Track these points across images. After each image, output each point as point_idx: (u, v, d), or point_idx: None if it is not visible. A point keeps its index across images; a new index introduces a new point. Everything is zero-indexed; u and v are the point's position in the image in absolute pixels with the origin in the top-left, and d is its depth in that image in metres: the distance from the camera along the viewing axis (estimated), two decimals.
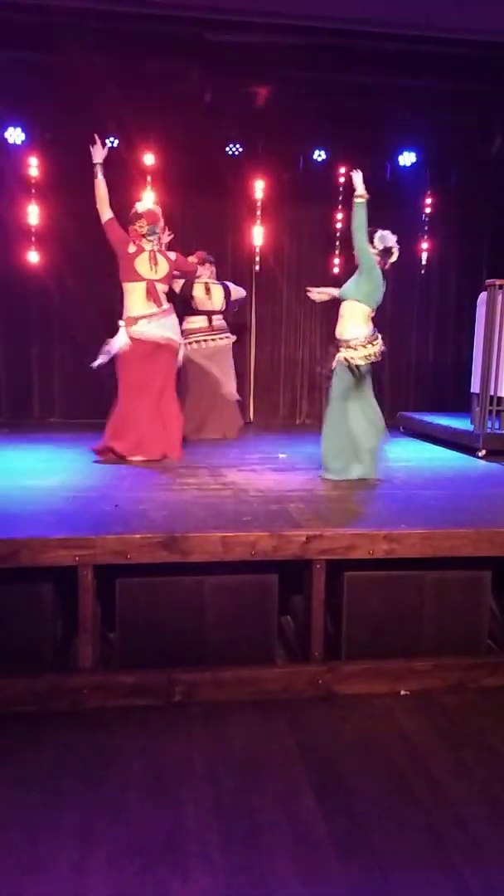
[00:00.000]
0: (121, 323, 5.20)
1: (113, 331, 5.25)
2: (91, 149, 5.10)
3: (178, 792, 2.49)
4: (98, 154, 5.10)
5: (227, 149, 7.26)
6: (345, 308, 4.56)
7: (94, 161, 5.09)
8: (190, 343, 6.31)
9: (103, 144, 5.16)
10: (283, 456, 5.64)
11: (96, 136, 5.13)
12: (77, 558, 3.12)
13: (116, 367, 5.21)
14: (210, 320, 6.51)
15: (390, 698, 3.20)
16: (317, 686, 3.20)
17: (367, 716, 3.06)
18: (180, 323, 5.74)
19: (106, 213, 5.12)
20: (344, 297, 4.58)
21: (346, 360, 4.47)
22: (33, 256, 7.29)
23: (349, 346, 4.48)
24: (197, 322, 6.48)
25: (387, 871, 2.13)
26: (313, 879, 2.11)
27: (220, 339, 6.55)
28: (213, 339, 6.50)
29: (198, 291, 6.45)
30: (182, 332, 5.80)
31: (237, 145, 7.27)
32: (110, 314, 5.35)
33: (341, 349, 4.51)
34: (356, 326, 4.50)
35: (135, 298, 5.17)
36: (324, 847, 2.23)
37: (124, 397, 5.21)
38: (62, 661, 3.27)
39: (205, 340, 6.48)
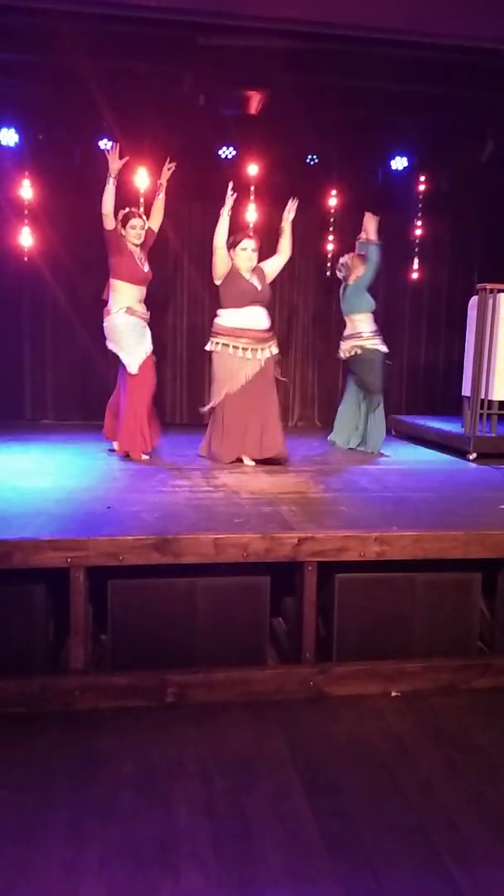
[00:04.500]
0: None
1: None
2: (107, 155, 4.99)
3: (170, 792, 2.50)
4: (114, 164, 4.97)
5: (221, 152, 7.27)
6: None
7: (110, 171, 4.96)
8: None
9: (121, 155, 5.00)
10: None
11: (116, 146, 5.03)
12: (69, 560, 3.12)
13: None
14: None
15: (381, 699, 3.22)
16: (308, 687, 3.22)
17: (358, 717, 3.07)
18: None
19: (110, 223, 5.04)
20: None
21: None
22: (25, 256, 7.28)
23: None
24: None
25: (377, 871, 2.15)
26: (304, 879, 2.12)
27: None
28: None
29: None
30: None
31: (231, 148, 7.29)
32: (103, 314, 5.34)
33: None
34: None
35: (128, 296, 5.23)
36: (315, 847, 2.24)
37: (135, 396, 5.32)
38: (54, 662, 3.27)
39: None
